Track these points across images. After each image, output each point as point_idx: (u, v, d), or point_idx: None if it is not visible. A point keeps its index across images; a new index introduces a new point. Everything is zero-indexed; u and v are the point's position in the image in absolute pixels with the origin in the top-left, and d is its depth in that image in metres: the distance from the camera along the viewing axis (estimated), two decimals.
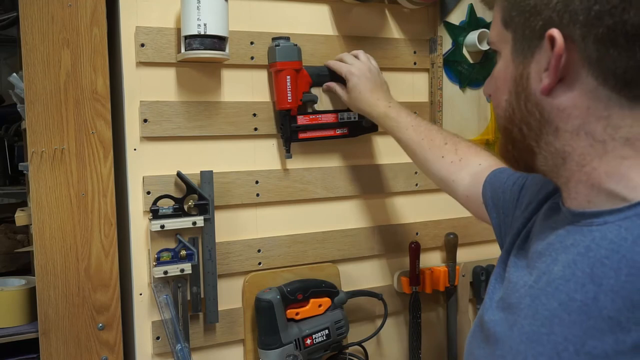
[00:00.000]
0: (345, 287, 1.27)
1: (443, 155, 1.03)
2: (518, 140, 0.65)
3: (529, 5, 0.59)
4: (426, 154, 1.06)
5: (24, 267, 1.72)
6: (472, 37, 1.33)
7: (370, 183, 1.31)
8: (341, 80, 1.21)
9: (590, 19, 0.54)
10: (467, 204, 0.99)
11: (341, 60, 1.21)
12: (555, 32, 0.56)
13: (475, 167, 0.97)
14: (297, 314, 1.17)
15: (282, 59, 1.15)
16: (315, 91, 1.22)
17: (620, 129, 0.57)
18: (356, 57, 1.21)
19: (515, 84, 0.63)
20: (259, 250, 1.20)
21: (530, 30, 0.60)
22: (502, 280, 0.72)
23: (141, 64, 1.09)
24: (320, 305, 1.20)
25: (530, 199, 0.77)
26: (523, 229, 0.74)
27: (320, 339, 1.18)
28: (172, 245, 1.10)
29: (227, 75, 1.16)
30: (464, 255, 1.36)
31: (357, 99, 1.17)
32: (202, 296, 1.13)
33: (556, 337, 0.56)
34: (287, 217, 1.23)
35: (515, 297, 0.65)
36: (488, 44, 0.68)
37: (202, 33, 1.04)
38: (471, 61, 1.37)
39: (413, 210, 1.36)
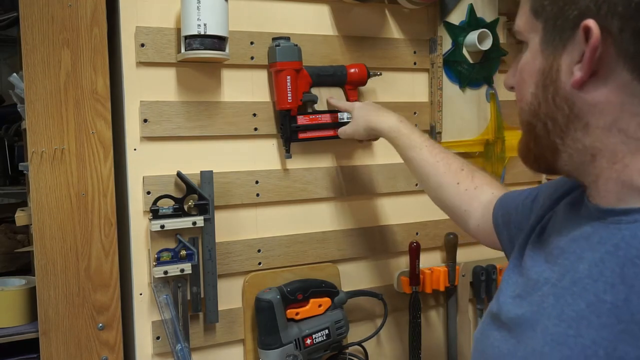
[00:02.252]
0: (345, 287, 1.27)
1: (459, 182, 0.98)
2: (541, 137, 0.62)
3: None
4: (441, 178, 1.00)
5: (24, 267, 1.71)
6: (472, 37, 1.33)
7: (370, 183, 1.31)
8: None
9: (630, 10, 0.52)
10: (477, 233, 0.95)
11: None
12: (591, 22, 0.54)
13: (488, 196, 0.93)
14: (297, 314, 1.17)
15: (283, 59, 1.15)
16: (315, 91, 1.22)
17: None
18: None
19: (544, 76, 0.60)
20: (259, 250, 1.20)
21: (564, 20, 0.57)
22: (515, 276, 0.69)
23: (141, 64, 1.09)
24: (320, 305, 1.20)
25: (544, 201, 0.75)
26: (537, 225, 0.72)
27: (320, 339, 1.18)
28: (172, 245, 1.10)
29: (227, 75, 1.17)
30: (464, 255, 1.36)
31: (366, 117, 1.13)
32: (202, 296, 1.13)
33: (584, 340, 0.53)
34: (287, 217, 1.23)
35: (537, 295, 0.62)
36: (514, 33, 0.66)
37: (202, 33, 1.04)
38: (471, 61, 1.37)
39: (413, 210, 1.36)
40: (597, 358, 0.52)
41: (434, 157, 1.01)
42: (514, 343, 0.62)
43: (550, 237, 0.66)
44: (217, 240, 1.13)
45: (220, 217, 1.15)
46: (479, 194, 0.95)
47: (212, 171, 1.12)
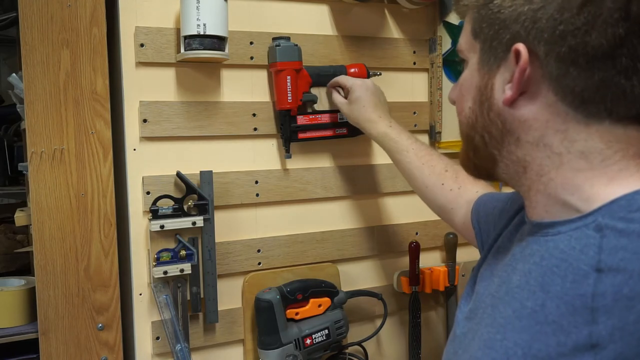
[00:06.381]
0: (345, 287, 1.27)
1: (443, 183, 1.03)
2: (480, 148, 0.67)
3: (499, 19, 0.61)
4: (426, 180, 1.05)
5: (24, 267, 1.71)
6: None
7: (369, 183, 1.31)
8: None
9: (554, 37, 0.57)
10: (464, 231, 0.99)
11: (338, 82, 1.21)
12: (521, 46, 0.59)
13: (472, 194, 0.97)
14: (296, 314, 1.17)
15: (283, 59, 1.14)
16: (315, 91, 1.22)
17: (576, 142, 0.59)
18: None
19: (480, 93, 0.65)
20: (258, 250, 1.20)
21: (498, 43, 0.62)
22: (471, 294, 0.75)
23: (141, 64, 1.09)
24: (320, 305, 1.20)
25: (502, 217, 0.79)
26: (494, 244, 0.76)
27: (320, 339, 1.18)
28: (171, 245, 1.10)
29: (226, 75, 1.16)
30: (463, 255, 1.36)
31: (359, 112, 1.15)
32: (201, 296, 1.13)
33: (508, 342, 0.59)
34: (286, 217, 1.23)
35: (481, 307, 0.68)
36: (457, 52, 0.71)
37: (202, 33, 1.04)
38: None
39: (413, 210, 1.36)
40: (516, 357, 0.57)
41: (419, 160, 1.07)
42: (460, 354, 0.69)
43: (500, 254, 0.72)
44: (216, 240, 1.13)
45: (219, 217, 1.15)
46: (463, 193, 1.00)
47: (211, 171, 1.12)
